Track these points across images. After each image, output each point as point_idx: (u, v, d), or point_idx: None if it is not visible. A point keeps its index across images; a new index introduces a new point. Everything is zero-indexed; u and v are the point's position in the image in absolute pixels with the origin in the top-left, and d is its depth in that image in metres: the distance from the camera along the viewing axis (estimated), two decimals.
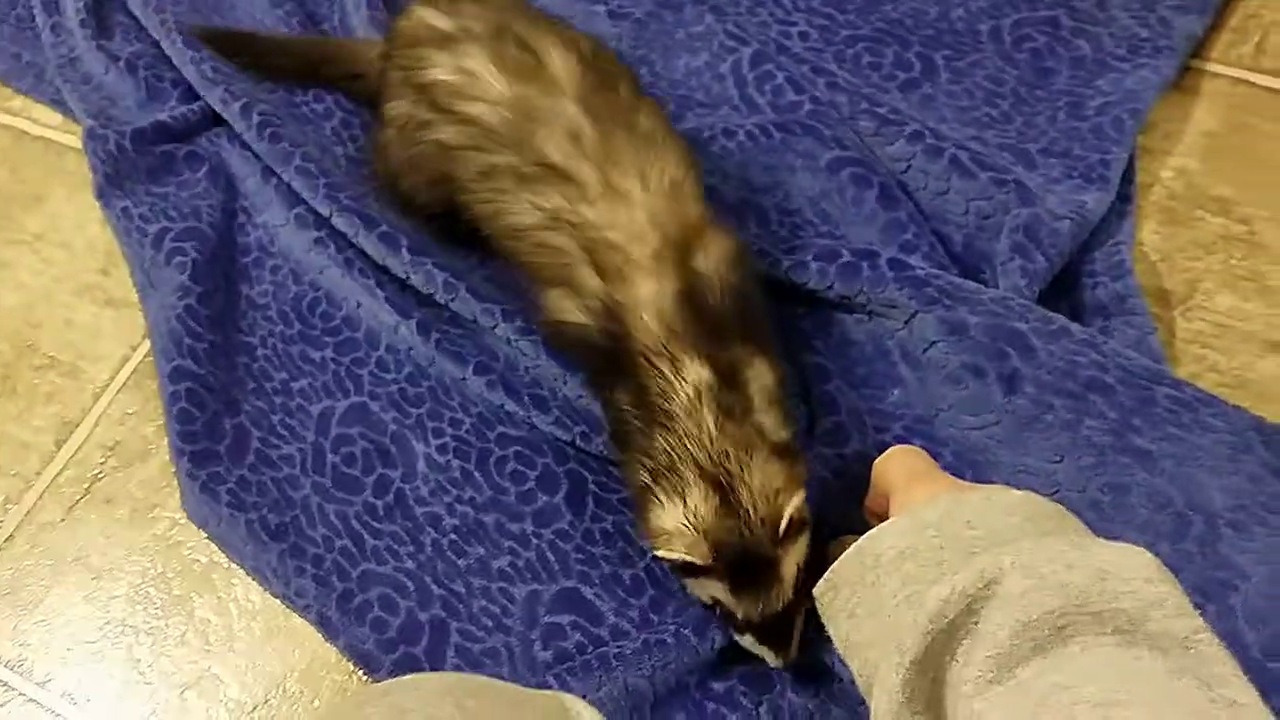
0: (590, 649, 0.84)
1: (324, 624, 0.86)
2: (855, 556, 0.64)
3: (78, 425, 0.99)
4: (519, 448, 0.93)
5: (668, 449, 0.78)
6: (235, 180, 1.09)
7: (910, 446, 0.74)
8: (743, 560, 0.76)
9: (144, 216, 1.06)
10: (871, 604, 0.62)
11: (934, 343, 0.89)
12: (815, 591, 0.67)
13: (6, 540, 0.95)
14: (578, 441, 0.91)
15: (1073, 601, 0.52)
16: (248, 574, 0.90)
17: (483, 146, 0.88)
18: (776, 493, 0.76)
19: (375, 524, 0.90)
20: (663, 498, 0.78)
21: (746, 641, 0.79)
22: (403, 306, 0.98)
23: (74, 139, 1.15)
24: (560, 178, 0.85)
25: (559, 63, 0.88)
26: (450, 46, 0.91)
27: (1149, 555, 0.54)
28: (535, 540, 0.89)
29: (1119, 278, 0.95)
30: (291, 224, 1.04)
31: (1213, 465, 0.83)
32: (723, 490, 0.76)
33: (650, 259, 0.82)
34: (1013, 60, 1.07)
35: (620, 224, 0.83)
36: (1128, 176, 0.99)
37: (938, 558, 0.60)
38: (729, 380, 0.79)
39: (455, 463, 0.93)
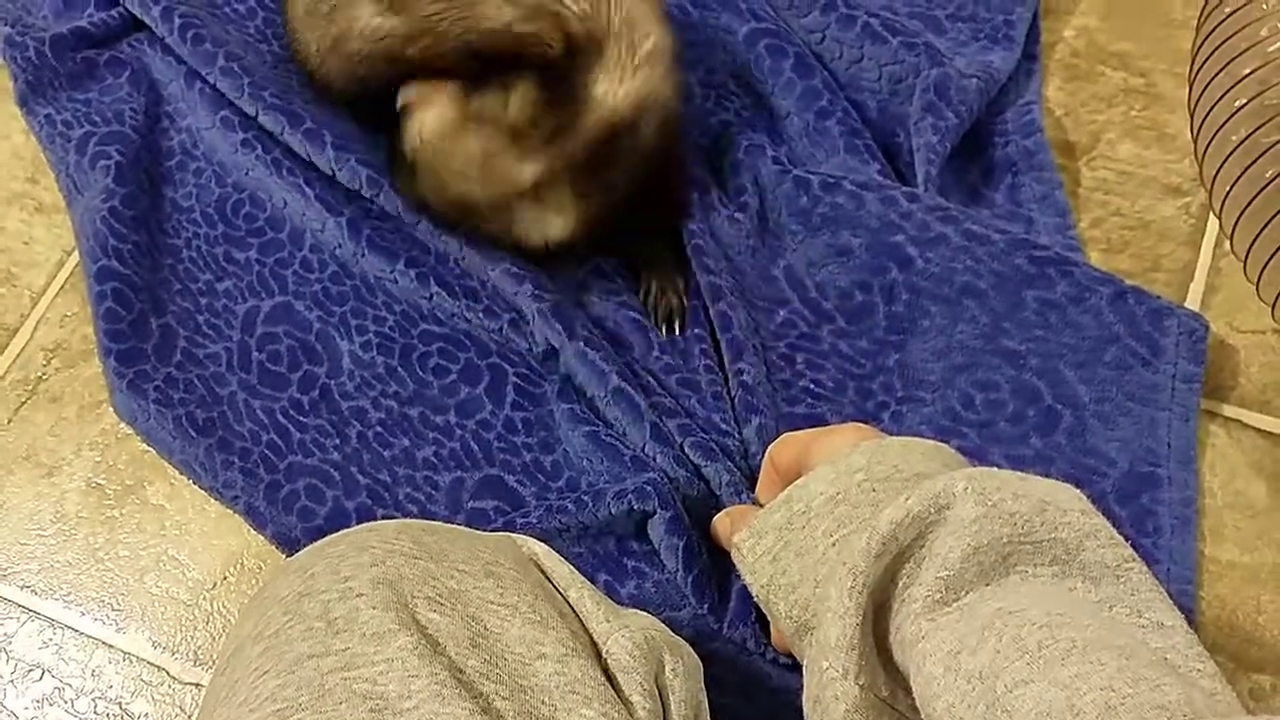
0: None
1: (252, 514, 0.89)
2: (783, 504, 0.66)
3: (17, 330, 1.00)
4: (441, 344, 0.95)
5: None
6: (158, 85, 1.09)
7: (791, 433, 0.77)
8: None
9: (67, 122, 1.05)
10: (800, 546, 0.65)
11: (824, 266, 0.93)
12: (736, 539, 0.70)
13: None
14: (506, 329, 0.93)
15: (1019, 530, 0.55)
16: (175, 468, 0.92)
17: None
18: None
19: (301, 418, 0.92)
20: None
21: None
22: (333, 204, 0.98)
23: None
24: None
25: None
26: None
27: (1076, 491, 0.58)
28: (459, 431, 0.91)
29: (1029, 135, 1.00)
30: (217, 127, 1.04)
31: (1077, 361, 0.88)
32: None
33: None
34: None
35: None
36: (1033, 37, 1.04)
37: (871, 499, 0.63)
38: None
39: (379, 359, 0.95)
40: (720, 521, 0.81)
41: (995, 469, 0.60)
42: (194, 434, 0.90)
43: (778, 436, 0.79)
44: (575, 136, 0.86)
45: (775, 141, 1.00)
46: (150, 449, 0.93)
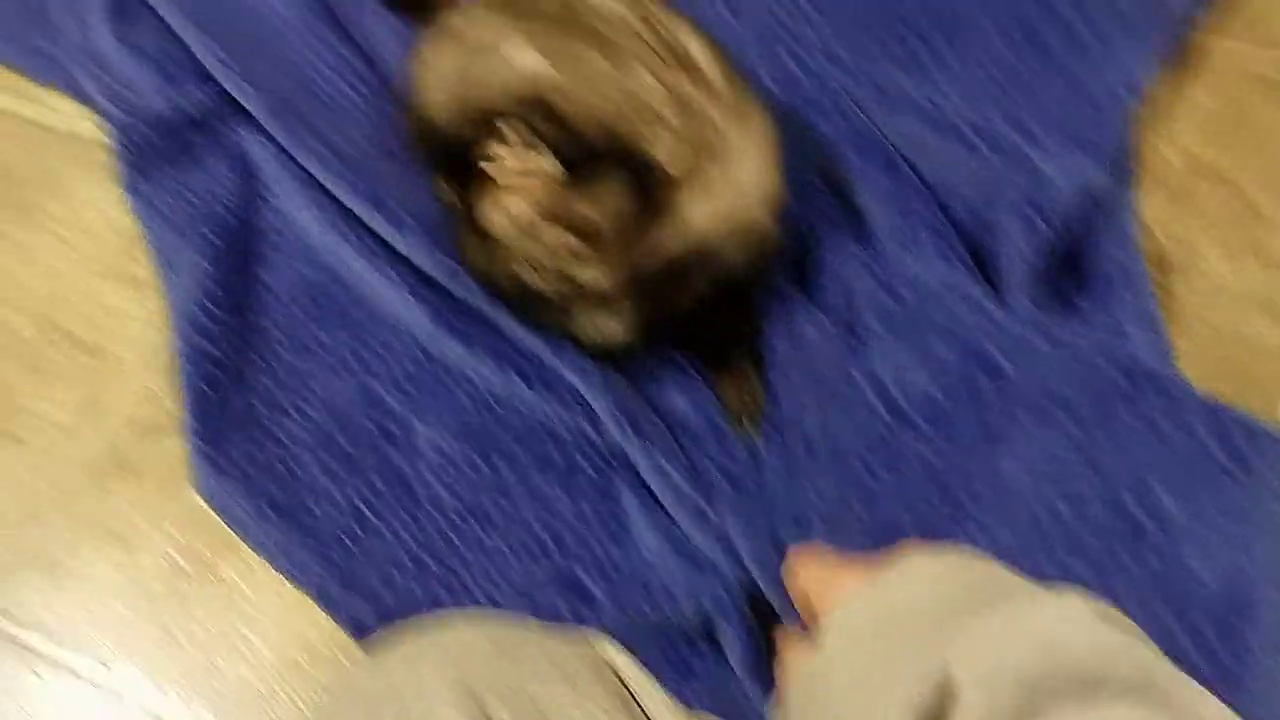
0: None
1: (323, 598, 0.88)
2: (807, 682, 0.63)
3: (104, 403, 1.01)
4: (518, 432, 0.95)
5: None
6: (253, 166, 1.11)
7: (804, 548, 0.74)
8: None
9: (166, 202, 1.07)
10: (826, 699, 0.61)
11: (908, 370, 0.92)
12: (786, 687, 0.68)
13: (36, 513, 0.96)
14: (580, 422, 0.93)
15: (1027, 689, 0.50)
16: (251, 548, 0.92)
17: None
18: None
19: (377, 503, 0.93)
20: None
21: None
22: (417, 289, 0.99)
23: (93, 127, 1.17)
24: None
25: None
26: None
27: (1086, 600, 0.53)
28: (532, 522, 0.91)
29: (1123, 247, 0.99)
30: (308, 209, 1.05)
31: (1168, 476, 0.86)
32: None
33: None
34: (1011, 39, 1.10)
35: None
36: (1128, 150, 1.03)
37: (890, 651, 0.58)
38: None
39: (456, 445, 0.95)
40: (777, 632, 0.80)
41: (987, 626, 0.54)
42: (271, 514, 0.91)
43: (851, 542, 0.77)
44: (653, 253, 0.86)
45: (861, 243, 0.99)
46: (225, 529, 0.93)
